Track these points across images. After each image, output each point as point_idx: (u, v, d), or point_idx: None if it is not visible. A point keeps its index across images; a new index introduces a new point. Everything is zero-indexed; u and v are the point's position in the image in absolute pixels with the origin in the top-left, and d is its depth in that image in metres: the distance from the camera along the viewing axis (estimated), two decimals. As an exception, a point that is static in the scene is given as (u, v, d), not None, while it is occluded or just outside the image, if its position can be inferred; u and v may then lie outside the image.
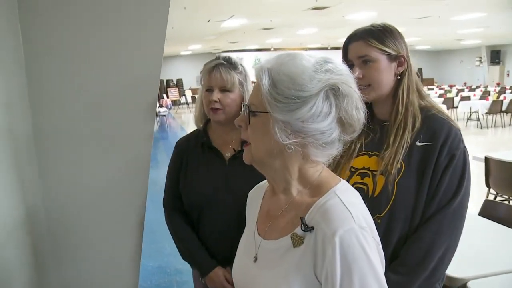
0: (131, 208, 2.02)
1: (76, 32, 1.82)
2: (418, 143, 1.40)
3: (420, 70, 28.70)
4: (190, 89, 25.78)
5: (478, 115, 13.27)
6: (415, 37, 20.27)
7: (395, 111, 1.45)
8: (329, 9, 11.25)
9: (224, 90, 1.82)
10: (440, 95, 16.94)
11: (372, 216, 1.37)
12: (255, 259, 1.07)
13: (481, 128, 12.69)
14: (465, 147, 1.42)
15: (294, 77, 0.96)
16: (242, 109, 1.05)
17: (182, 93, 24.86)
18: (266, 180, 1.15)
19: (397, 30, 1.49)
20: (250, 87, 1.86)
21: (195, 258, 1.86)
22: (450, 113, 14.39)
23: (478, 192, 4.50)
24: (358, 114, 1.01)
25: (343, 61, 1.51)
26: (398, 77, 1.47)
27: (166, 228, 1.94)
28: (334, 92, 0.97)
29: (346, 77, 0.99)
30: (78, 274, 2.06)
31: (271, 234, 1.06)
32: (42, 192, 1.89)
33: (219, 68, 1.83)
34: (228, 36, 16.96)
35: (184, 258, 1.91)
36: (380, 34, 1.45)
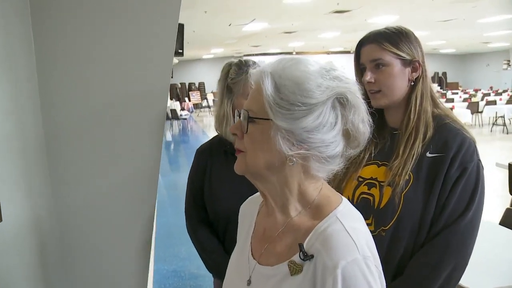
0: (140, 213, 2.00)
1: (87, 38, 1.82)
2: (428, 154, 1.32)
3: (444, 74, 28.24)
4: (212, 92, 25.93)
5: (504, 120, 12.96)
6: (439, 40, 19.96)
7: (406, 118, 1.37)
8: (351, 12, 11.16)
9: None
10: (465, 100, 16.62)
11: (377, 228, 1.32)
12: (249, 283, 0.97)
13: (507, 133, 12.37)
14: (479, 160, 1.32)
15: (299, 82, 0.86)
16: (238, 115, 0.94)
17: (204, 97, 25.03)
18: (259, 193, 1.03)
19: (413, 34, 1.41)
20: None
21: (220, 273, 1.78)
22: (474, 118, 14.10)
23: (502, 200, 4.37)
24: (364, 128, 0.92)
25: (356, 65, 1.46)
26: (412, 83, 1.39)
27: (182, 233, 1.89)
28: (341, 101, 0.88)
29: (354, 87, 0.91)
30: (86, 277, 2.06)
31: (267, 258, 0.96)
32: (52, 195, 1.90)
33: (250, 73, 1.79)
34: (249, 40, 16.99)
35: (210, 270, 1.84)
36: (395, 37, 1.38)
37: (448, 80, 28.09)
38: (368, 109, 0.94)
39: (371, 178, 1.40)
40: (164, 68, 1.90)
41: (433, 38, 19.05)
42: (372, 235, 0.94)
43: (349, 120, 0.89)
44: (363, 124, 0.91)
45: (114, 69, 1.89)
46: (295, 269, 0.88)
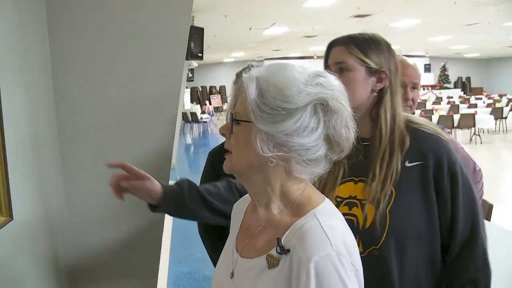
0: (151, 214, 2.04)
1: (101, 43, 1.88)
2: (407, 164, 1.27)
3: (468, 78, 27.79)
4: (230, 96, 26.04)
5: (529, 126, 12.69)
6: (463, 44, 19.67)
7: (378, 133, 1.31)
8: (372, 16, 11.10)
9: None
10: (488, 105, 16.32)
11: (367, 248, 1.28)
12: (232, 275, 1.03)
13: (532, 140, 12.11)
14: (456, 157, 1.30)
15: (282, 88, 0.91)
16: (227, 118, 1.02)
17: (224, 100, 25.16)
18: None
19: (388, 44, 1.36)
20: None
21: None
22: (498, 124, 13.85)
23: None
24: (348, 133, 0.95)
25: (328, 65, 1.41)
26: (375, 94, 1.33)
27: (197, 235, 1.93)
28: (322, 107, 0.91)
29: (338, 93, 0.94)
30: (95, 274, 2.10)
31: (248, 252, 1.02)
32: (65, 195, 1.94)
33: None
34: (270, 44, 17.04)
35: None
36: (365, 44, 1.33)
37: (472, 85, 27.64)
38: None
39: (350, 197, 1.34)
40: (176, 71, 1.94)
41: (456, 42, 18.79)
42: (362, 256, 0.96)
43: (331, 125, 0.91)
44: (346, 129, 0.94)
45: (127, 72, 1.94)
46: (272, 263, 0.92)
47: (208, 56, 9.10)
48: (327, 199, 1.00)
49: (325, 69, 1.40)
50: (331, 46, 1.41)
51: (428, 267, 1.30)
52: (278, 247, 0.91)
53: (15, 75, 1.51)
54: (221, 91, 27.04)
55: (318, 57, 22.35)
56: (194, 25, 6.88)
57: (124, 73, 1.93)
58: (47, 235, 1.84)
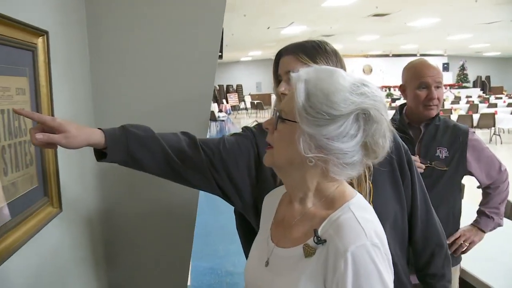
0: (183, 211, 2.14)
1: (136, 46, 1.98)
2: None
3: (488, 78, 27.34)
4: (249, 94, 26.09)
5: (550, 126, 12.50)
6: (483, 43, 19.41)
7: None
8: (390, 15, 11.07)
9: None
10: (509, 105, 16.08)
11: None
12: (267, 264, 1.09)
13: (553, 140, 11.94)
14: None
15: (328, 94, 0.96)
16: (272, 113, 1.08)
17: (241, 99, 25.21)
18: (283, 186, 1.16)
19: (335, 50, 1.42)
20: None
21: None
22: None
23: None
24: (384, 142, 1.01)
25: (274, 75, 1.48)
26: None
27: (220, 231, 1.99)
28: (364, 116, 0.97)
29: (379, 104, 0.99)
30: (130, 273, 2.20)
31: (284, 242, 1.08)
32: (101, 194, 2.05)
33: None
34: (288, 43, 17.00)
35: None
36: (312, 51, 1.38)
37: (492, 84, 27.22)
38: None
39: None
40: (209, 72, 2.02)
41: (476, 41, 18.58)
42: None
43: (370, 134, 0.98)
44: (383, 139, 1.00)
45: (162, 73, 2.03)
46: (309, 252, 0.99)
47: (225, 55, 9.16)
48: (359, 194, 1.07)
49: (275, 78, 1.46)
50: (280, 56, 1.45)
51: (402, 246, 1.44)
52: (315, 237, 0.97)
53: (60, 70, 1.60)
54: (238, 89, 27.09)
55: (335, 56, 22.21)
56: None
57: (159, 75, 2.02)
58: (90, 225, 1.94)
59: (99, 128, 1.19)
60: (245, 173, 1.37)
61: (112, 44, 1.99)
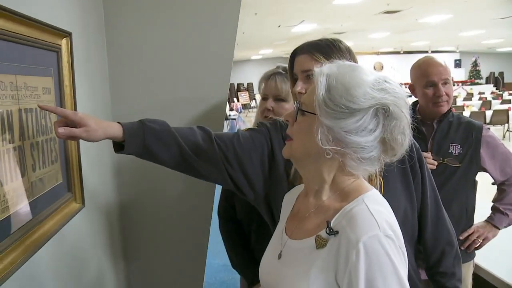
0: (199, 207, 2.18)
1: (154, 44, 2.02)
2: None
3: (501, 74, 27.03)
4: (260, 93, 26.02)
5: None
6: (496, 39, 19.20)
7: None
8: (401, 12, 11.01)
9: (278, 99, 1.84)
10: (523, 101, 15.91)
11: None
12: (279, 256, 1.10)
13: None
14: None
15: (349, 88, 0.97)
16: (294, 105, 1.09)
17: (252, 97, 25.20)
18: (303, 184, 1.17)
19: (348, 48, 1.43)
20: None
21: (245, 270, 1.89)
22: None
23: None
24: (403, 140, 1.01)
25: (290, 74, 1.50)
26: None
27: None
28: (384, 111, 0.98)
29: (400, 101, 1.00)
30: (148, 266, 2.25)
31: (297, 234, 1.09)
32: (120, 190, 2.10)
33: (275, 77, 1.86)
34: (298, 41, 16.90)
35: (234, 267, 1.93)
36: (327, 49, 1.39)
37: (506, 80, 26.92)
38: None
39: None
40: (224, 71, 2.06)
41: (488, 37, 18.39)
42: None
43: (389, 130, 0.99)
44: (402, 136, 1.01)
45: (178, 72, 2.07)
46: (320, 243, 0.99)
47: (236, 54, 9.19)
48: (374, 189, 1.08)
49: (291, 78, 1.49)
50: (295, 55, 1.47)
51: (411, 242, 1.45)
52: (328, 228, 0.98)
53: (80, 69, 1.63)
54: (249, 88, 27.08)
55: (346, 54, 22.11)
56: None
57: (175, 74, 2.05)
58: (110, 220, 1.99)
59: (118, 122, 1.23)
60: (258, 168, 1.39)
61: (129, 43, 2.03)
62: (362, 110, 0.97)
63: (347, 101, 0.97)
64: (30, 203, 1.17)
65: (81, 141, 1.36)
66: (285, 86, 1.83)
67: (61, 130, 1.11)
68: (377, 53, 25.05)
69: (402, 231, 1.26)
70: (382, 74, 1.05)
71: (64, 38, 1.43)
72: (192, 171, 1.34)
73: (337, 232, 0.97)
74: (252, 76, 27.45)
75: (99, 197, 1.85)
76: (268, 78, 1.89)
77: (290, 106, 1.82)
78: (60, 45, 1.40)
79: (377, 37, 17.07)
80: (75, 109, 1.48)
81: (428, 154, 1.98)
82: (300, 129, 1.06)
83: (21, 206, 1.13)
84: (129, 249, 2.22)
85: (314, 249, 1.00)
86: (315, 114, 1.01)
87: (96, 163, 1.83)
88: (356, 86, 0.98)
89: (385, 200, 1.07)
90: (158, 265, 2.25)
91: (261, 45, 18.97)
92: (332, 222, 0.99)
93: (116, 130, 1.21)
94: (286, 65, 1.86)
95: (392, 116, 0.99)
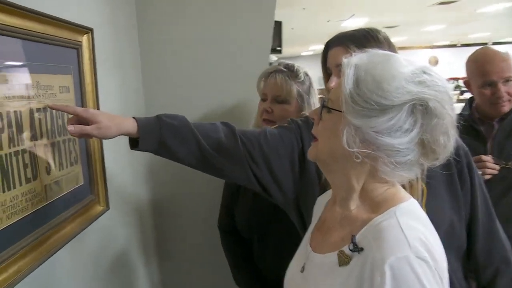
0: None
1: (186, 43, 1.97)
2: None
3: None
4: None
5: None
6: None
7: None
8: (458, 3, 10.46)
9: (279, 100, 1.65)
10: None
11: None
12: (303, 269, 0.99)
13: None
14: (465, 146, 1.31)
15: (380, 81, 0.83)
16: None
17: (302, 94, 25.01)
18: None
19: (388, 38, 1.29)
20: (313, 101, 1.67)
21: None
22: None
23: None
24: (446, 141, 0.86)
25: (323, 69, 1.35)
26: None
27: None
28: (422, 108, 0.82)
29: (442, 95, 0.84)
30: (180, 268, 2.21)
31: (321, 247, 0.97)
32: (152, 191, 2.06)
33: (275, 74, 1.67)
34: (348, 36, 16.67)
35: (238, 285, 1.78)
36: (363, 40, 1.25)
37: None
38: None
39: None
40: (261, 65, 1.96)
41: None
42: None
43: (428, 129, 0.83)
44: (445, 136, 0.85)
45: (213, 69, 2.00)
46: (343, 260, 0.86)
47: (286, 50, 9.10)
48: (412, 199, 0.93)
49: (325, 73, 1.35)
50: (328, 47, 1.35)
51: (457, 257, 1.28)
52: (351, 244, 0.85)
53: (110, 70, 1.60)
54: (299, 84, 26.92)
55: (399, 48, 21.53)
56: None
57: (210, 71, 1.99)
58: (141, 221, 1.95)
59: (133, 117, 1.16)
60: (287, 167, 1.28)
61: (162, 40, 1.99)
62: (395, 106, 0.82)
63: (378, 97, 0.82)
64: (43, 208, 1.12)
65: (107, 141, 1.31)
66: (287, 86, 1.64)
67: (71, 128, 1.06)
68: (432, 47, 24.13)
69: (447, 245, 1.08)
70: (423, 64, 0.88)
71: (85, 35, 1.38)
72: (212, 170, 1.25)
73: (361, 249, 0.83)
74: (302, 72, 27.26)
75: (127, 198, 1.81)
76: (267, 76, 1.70)
77: (291, 108, 1.65)
78: (80, 41, 1.35)
79: (432, 30, 16.38)
80: (98, 108, 1.43)
81: (488, 158, 1.76)
82: (325, 129, 0.93)
83: (33, 211, 1.08)
84: (163, 249, 2.18)
85: (337, 266, 0.87)
86: (341, 111, 0.87)
87: (127, 163, 1.78)
88: (389, 79, 0.83)
89: (423, 214, 0.91)
90: (193, 265, 2.20)
91: (310, 41, 18.71)
92: (357, 236, 0.86)
93: (131, 126, 1.14)
94: (289, 62, 1.73)
95: (432, 114, 0.83)
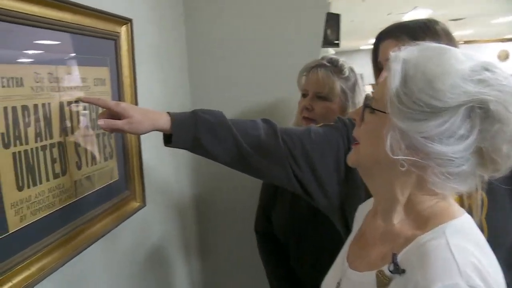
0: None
1: (232, 40, 1.92)
2: None
3: None
4: (370, 84, 25.23)
5: None
6: None
7: None
8: (534, -8, 9.78)
9: (320, 96, 1.54)
10: None
11: None
12: (338, 285, 0.89)
13: None
14: None
15: (432, 79, 0.71)
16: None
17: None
18: None
19: (447, 30, 1.14)
20: (359, 100, 1.55)
21: None
22: None
23: None
24: (510, 151, 0.72)
25: (373, 63, 1.23)
26: None
27: None
28: (481, 111, 0.70)
29: (507, 96, 0.71)
30: (221, 260, 2.17)
31: (359, 263, 0.87)
32: (195, 188, 2.02)
33: (317, 69, 1.56)
34: (411, 29, 16.08)
35: None
36: (418, 32, 1.12)
37: None
38: None
39: None
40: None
41: None
42: None
43: (488, 136, 0.71)
44: (509, 145, 0.72)
45: (261, 66, 1.93)
46: (382, 282, 0.75)
47: (345, 43, 8.87)
48: (466, 215, 0.80)
49: (375, 68, 1.23)
50: (379, 40, 1.22)
51: None
52: (392, 264, 0.74)
53: (152, 65, 1.56)
54: (358, 79, 26.42)
55: (466, 42, 20.49)
56: (331, 11, 6.75)
57: (257, 68, 1.93)
58: (181, 218, 1.92)
59: (167, 112, 1.10)
60: (332, 168, 1.18)
61: (211, 34, 1.94)
62: (449, 109, 0.70)
63: (429, 97, 0.70)
64: (73, 203, 1.09)
65: (145, 135, 1.27)
66: (329, 81, 1.52)
67: (101, 122, 1.01)
68: (502, 40, 22.80)
69: (510, 267, 0.95)
70: (485, 60, 0.74)
71: (124, 25, 1.34)
72: (250, 169, 1.17)
73: (403, 271, 0.72)
74: (362, 66, 26.50)
75: (168, 194, 1.78)
76: (309, 70, 1.58)
77: (334, 106, 1.53)
78: (118, 32, 1.31)
79: (502, 22, 15.45)
80: (136, 102, 1.39)
81: None
82: (367, 132, 0.82)
83: (61, 207, 1.05)
84: (204, 249, 2.15)
85: (375, 287, 0.77)
86: (385, 112, 0.75)
87: (167, 158, 1.75)
88: (442, 76, 0.71)
89: (479, 233, 0.78)
90: (234, 264, 2.15)
91: (370, 34, 18.21)
92: (399, 255, 0.75)
93: (165, 121, 1.08)
94: (333, 56, 1.61)
95: (494, 118, 0.70)
